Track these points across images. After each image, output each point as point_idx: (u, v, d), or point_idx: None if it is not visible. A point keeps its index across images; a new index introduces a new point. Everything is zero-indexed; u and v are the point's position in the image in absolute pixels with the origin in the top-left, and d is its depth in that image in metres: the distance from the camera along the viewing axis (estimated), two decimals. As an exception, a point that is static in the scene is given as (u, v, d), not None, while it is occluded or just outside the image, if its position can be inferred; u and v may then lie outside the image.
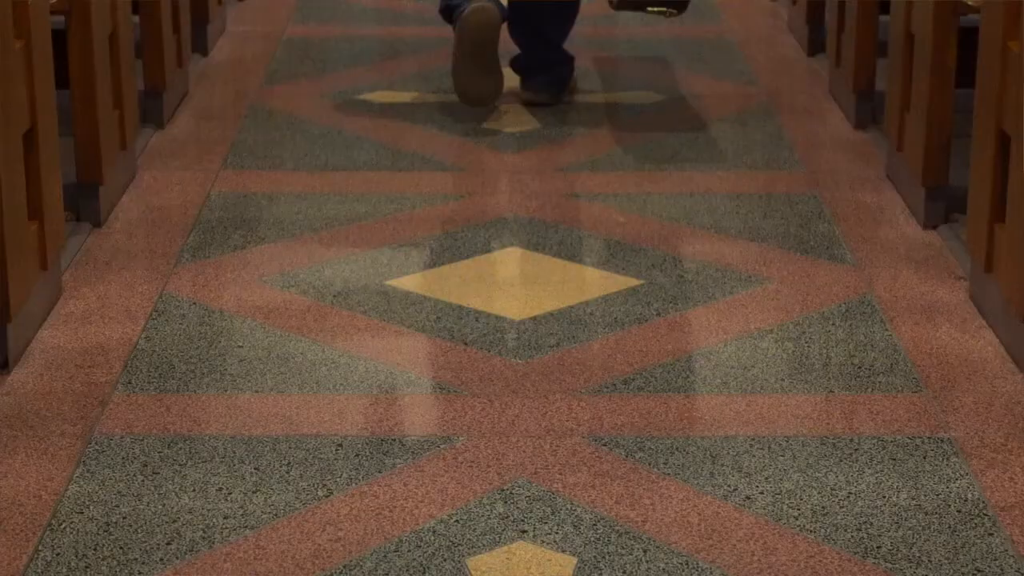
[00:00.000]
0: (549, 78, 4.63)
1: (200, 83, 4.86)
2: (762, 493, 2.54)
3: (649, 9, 4.48)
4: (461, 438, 2.73)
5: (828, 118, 4.57)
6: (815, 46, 5.12)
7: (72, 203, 3.66)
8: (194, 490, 2.55)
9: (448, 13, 4.52)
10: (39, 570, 2.32)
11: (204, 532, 2.42)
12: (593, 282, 3.44)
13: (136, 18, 4.31)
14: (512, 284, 3.43)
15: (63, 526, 2.44)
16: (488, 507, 2.50)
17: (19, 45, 3.06)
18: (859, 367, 3.02)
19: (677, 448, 2.69)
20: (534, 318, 3.24)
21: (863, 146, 4.33)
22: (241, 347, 3.10)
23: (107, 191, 3.79)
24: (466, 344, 3.12)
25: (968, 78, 3.50)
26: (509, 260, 3.58)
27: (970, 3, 3.57)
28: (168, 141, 4.36)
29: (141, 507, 2.50)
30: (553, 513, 2.48)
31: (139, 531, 2.43)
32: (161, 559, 2.35)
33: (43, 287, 3.21)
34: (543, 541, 2.40)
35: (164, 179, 4.07)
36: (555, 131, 4.46)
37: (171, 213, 3.84)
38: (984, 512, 2.49)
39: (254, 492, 2.55)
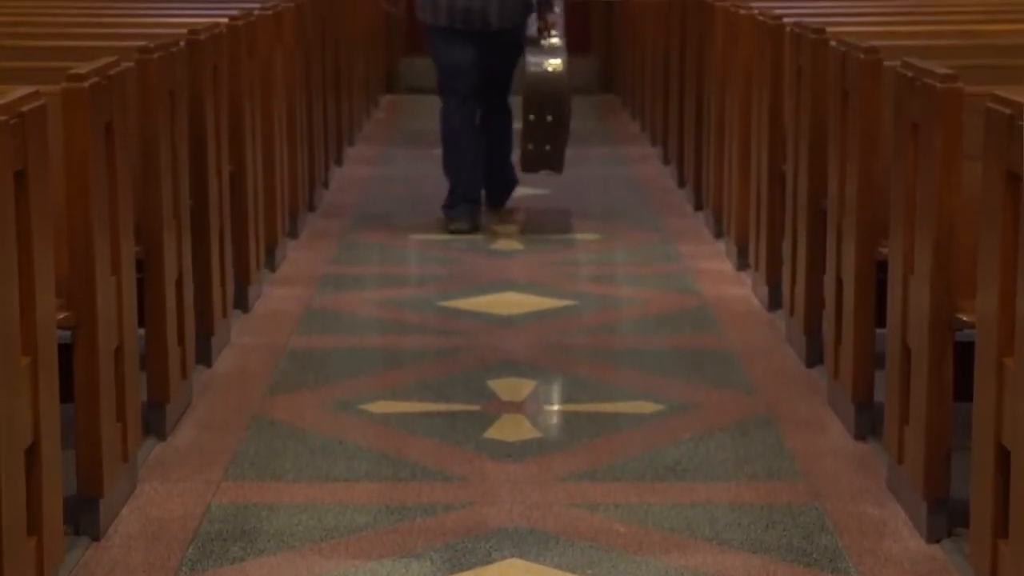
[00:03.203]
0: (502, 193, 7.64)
1: (203, 394, 4.89)
2: None
3: (541, 170, 7.21)
4: None
5: (828, 429, 4.59)
6: (813, 357, 5.16)
7: (71, 516, 3.65)
8: None
9: (445, 209, 7.40)
10: None
11: None
12: (595, 596, 3.41)
13: (142, 330, 4.36)
14: (513, 599, 3.40)
15: None
16: None
17: (25, 361, 3.10)
18: None
19: None
20: (535, 634, 3.21)
21: (864, 457, 4.34)
22: (238, 664, 3.06)
23: (107, 504, 3.78)
24: (466, 661, 3.08)
25: (966, 391, 3.52)
26: (510, 572, 3.55)
27: (965, 319, 3.62)
28: (170, 452, 4.37)
29: None
30: None
31: None
32: None
33: (40, 603, 3.18)
34: None
35: (164, 491, 4.07)
36: (556, 441, 4.47)
37: (170, 526, 3.83)
38: None
39: None
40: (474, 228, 7.28)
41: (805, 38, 5.22)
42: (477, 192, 7.41)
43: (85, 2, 7.73)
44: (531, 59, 7.06)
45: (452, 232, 7.24)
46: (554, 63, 7.00)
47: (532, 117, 6.98)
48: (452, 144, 7.41)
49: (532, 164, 7.20)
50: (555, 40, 7.11)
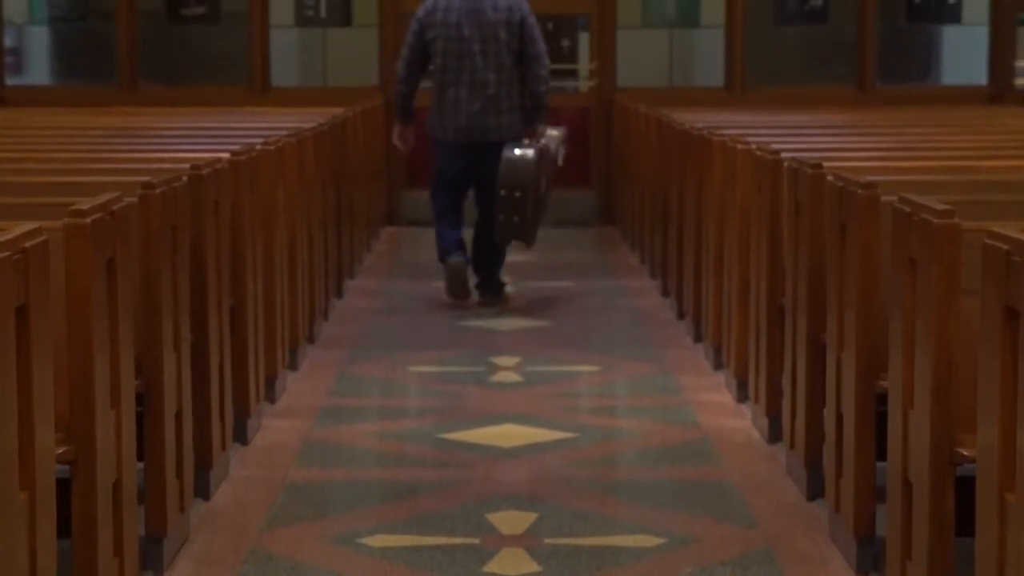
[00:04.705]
0: (492, 292, 8.89)
1: (201, 528, 4.87)
2: None
3: (513, 240, 8.59)
4: None
5: (830, 564, 4.56)
6: (814, 490, 5.15)
7: (68, 653, 3.62)
8: None
9: (440, 259, 8.78)
10: None
11: None
12: None
13: (140, 463, 4.35)
14: None
15: None
16: None
17: (23, 496, 3.09)
18: None
19: None
20: None
21: (866, 592, 4.31)
22: None
23: (104, 640, 3.75)
24: None
25: (968, 526, 3.51)
26: None
27: (965, 453, 3.62)
28: (167, 587, 4.34)
29: None
30: None
31: None
32: None
33: None
34: None
35: (161, 627, 4.04)
36: (556, 575, 4.45)
37: (167, 662, 3.80)
38: None
39: None
40: (466, 263, 8.74)
41: (803, 173, 5.26)
42: (461, 243, 8.79)
43: (88, 138, 7.82)
44: (505, 150, 8.48)
45: (448, 269, 8.73)
46: (523, 151, 8.45)
47: (503, 192, 8.35)
48: (441, 232, 8.82)
49: (504, 235, 8.54)
50: (530, 144, 8.58)
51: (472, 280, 8.85)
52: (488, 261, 8.92)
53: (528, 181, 8.42)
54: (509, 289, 9.11)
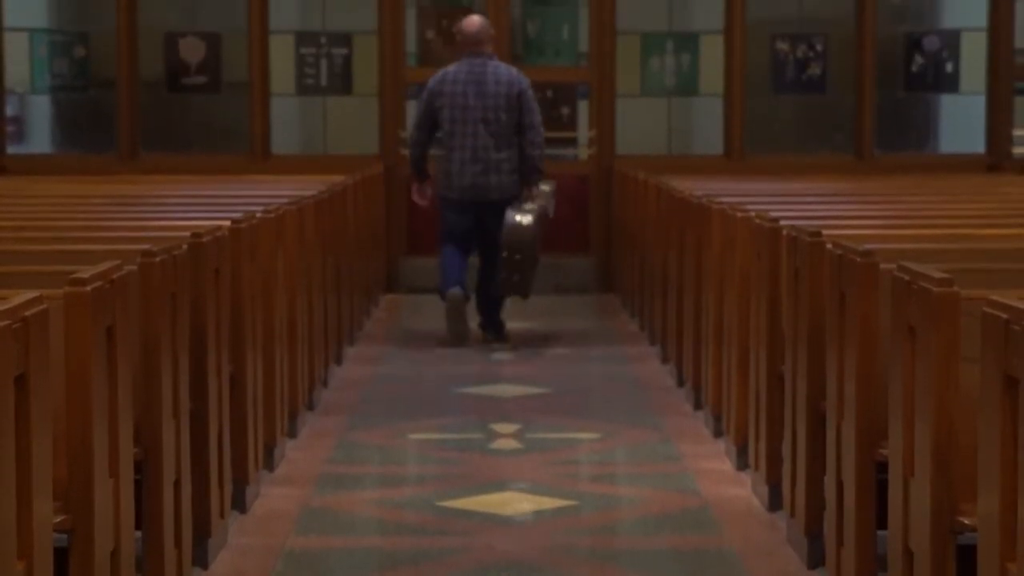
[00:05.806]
0: (494, 331, 9.88)
1: (199, 597, 4.85)
2: None
3: (512, 295, 9.63)
4: None
5: (831, 633, 4.54)
6: (815, 559, 5.12)
7: None
8: None
9: (440, 294, 9.63)
10: None
11: None
12: None
13: (138, 532, 4.33)
14: None
15: None
16: None
17: (21, 566, 3.08)
18: None
19: None
20: None
21: (867, 662, 4.28)
22: None
23: None
24: None
25: (969, 596, 3.50)
26: None
27: (966, 522, 3.61)
28: (165, 657, 4.31)
29: None
30: None
31: None
32: None
33: None
34: None
35: None
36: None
37: None
38: None
39: None
40: (465, 298, 9.61)
41: (802, 241, 5.27)
42: (463, 277, 9.68)
43: (89, 206, 7.84)
44: (509, 212, 9.46)
45: (448, 302, 9.54)
46: (524, 218, 9.43)
47: (505, 255, 9.41)
48: (445, 265, 9.75)
49: (506, 290, 9.59)
50: (532, 205, 9.53)
51: (475, 319, 9.77)
52: (489, 305, 9.94)
53: (528, 245, 9.44)
54: (507, 328, 10.02)
